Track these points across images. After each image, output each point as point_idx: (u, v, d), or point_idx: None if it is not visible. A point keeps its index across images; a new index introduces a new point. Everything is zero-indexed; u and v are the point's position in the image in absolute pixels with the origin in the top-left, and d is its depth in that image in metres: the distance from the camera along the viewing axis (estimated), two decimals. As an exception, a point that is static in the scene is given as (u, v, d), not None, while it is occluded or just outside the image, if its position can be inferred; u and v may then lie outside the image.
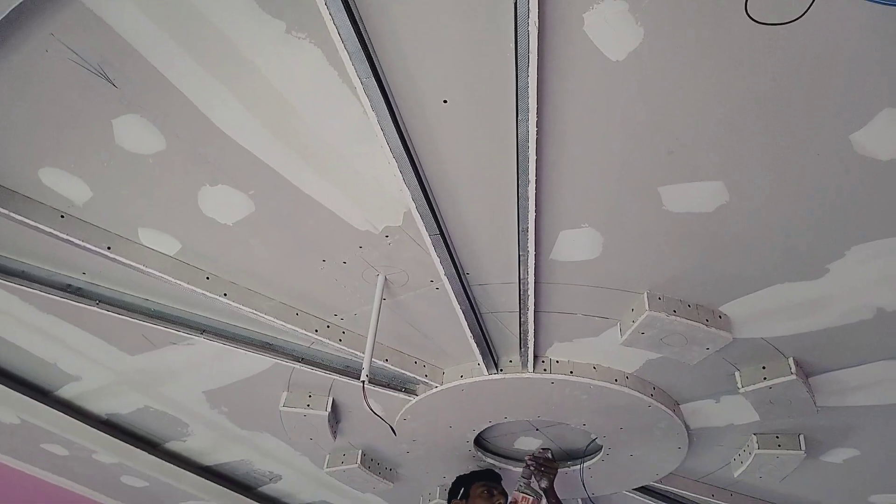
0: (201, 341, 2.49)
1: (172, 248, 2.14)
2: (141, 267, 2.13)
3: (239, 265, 2.19)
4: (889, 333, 2.20)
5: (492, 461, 3.08)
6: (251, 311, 2.26)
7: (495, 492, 2.70)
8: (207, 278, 2.20)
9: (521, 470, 2.73)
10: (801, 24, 1.37)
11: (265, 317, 2.29)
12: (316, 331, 2.36)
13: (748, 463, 2.78)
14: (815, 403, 2.43)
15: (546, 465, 2.66)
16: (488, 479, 2.76)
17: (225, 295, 2.22)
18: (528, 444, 3.08)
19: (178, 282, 2.16)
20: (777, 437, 2.74)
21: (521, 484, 2.63)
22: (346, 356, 2.55)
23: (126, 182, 1.93)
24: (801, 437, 2.73)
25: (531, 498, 2.57)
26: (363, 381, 2.01)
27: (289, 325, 2.32)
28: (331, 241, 2.05)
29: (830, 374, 2.41)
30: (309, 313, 2.36)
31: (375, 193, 1.87)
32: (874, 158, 1.65)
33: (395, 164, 1.68)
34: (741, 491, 3.23)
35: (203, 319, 2.47)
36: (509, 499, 2.60)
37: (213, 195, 1.93)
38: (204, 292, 2.19)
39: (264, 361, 2.62)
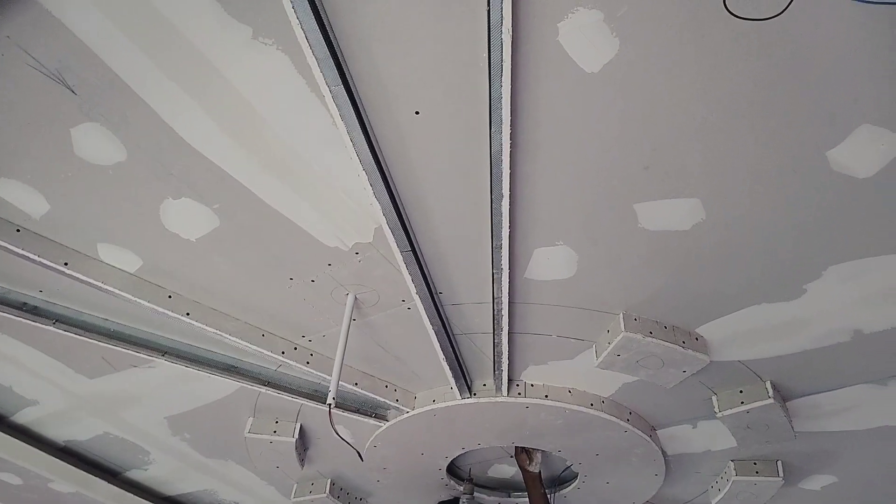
0: (163, 364, 2.39)
1: (133, 265, 2.06)
2: (100, 284, 2.04)
3: (203, 283, 2.11)
4: (867, 356, 2.18)
5: (466, 491, 2.99)
6: (215, 331, 2.18)
7: None
8: (170, 297, 2.12)
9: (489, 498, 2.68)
10: (780, 33, 1.36)
11: (230, 338, 2.21)
12: (283, 353, 2.28)
13: (726, 490, 2.72)
14: (792, 428, 2.40)
15: None
16: None
17: (188, 314, 2.13)
18: (503, 471, 3.00)
19: (139, 300, 2.08)
20: (755, 464, 2.69)
21: (464, 500, 2.63)
22: (314, 380, 2.47)
23: (85, 195, 1.85)
24: (779, 463, 2.69)
25: None
26: (329, 405, 1.93)
27: (254, 347, 2.24)
28: (299, 259, 1.99)
29: (808, 398, 2.38)
30: (276, 334, 2.28)
31: (345, 208, 1.81)
32: (851, 176, 1.64)
33: (366, 176, 1.63)
34: (719, 520, 3.17)
35: (165, 341, 2.37)
36: None
37: (176, 209, 1.86)
38: (166, 311, 2.11)
39: (229, 385, 2.53)
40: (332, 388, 1.97)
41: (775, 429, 2.38)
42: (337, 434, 1.93)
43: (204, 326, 2.17)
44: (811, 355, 2.18)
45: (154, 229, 1.93)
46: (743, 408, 2.30)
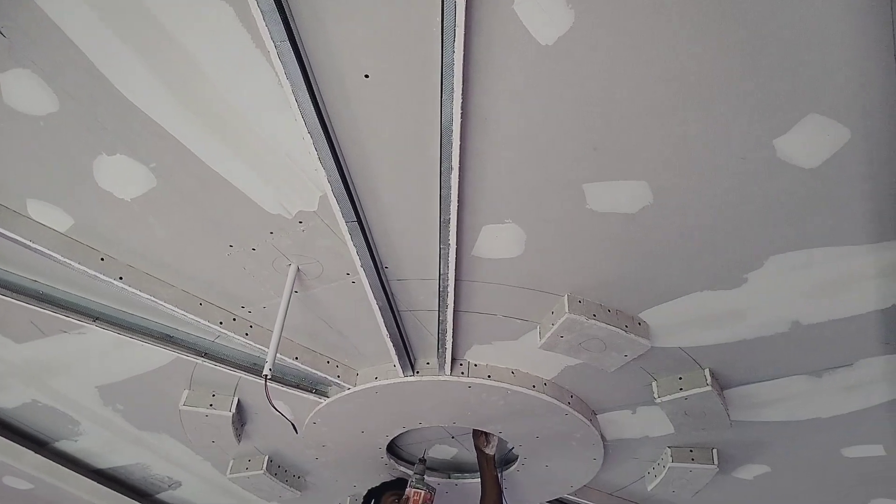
0: (94, 330, 2.30)
1: (64, 224, 1.97)
2: (28, 243, 1.94)
3: (137, 247, 2.03)
4: (803, 348, 2.22)
5: (405, 470, 2.97)
6: (149, 297, 2.10)
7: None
8: (102, 259, 2.03)
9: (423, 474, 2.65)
10: (737, 16, 1.35)
11: (165, 305, 2.13)
12: (221, 323, 2.21)
13: (662, 476, 2.76)
14: (728, 416, 2.44)
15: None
16: (399, 488, 2.65)
17: (121, 279, 2.05)
18: (444, 452, 2.99)
19: (69, 261, 1.99)
20: (691, 451, 2.73)
21: (414, 479, 2.56)
22: (253, 353, 2.41)
23: (14, 146, 1.76)
24: (715, 451, 2.74)
25: (423, 491, 2.50)
26: (265, 377, 1.87)
27: (191, 316, 2.16)
28: (239, 225, 1.92)
29: (745, 387, 2.42)
30: (213, 304, 2.21)
31: (289, 173, 1.75)
32: (797, 166, 1.65)
33: (311, 139, 1.58)
34: (654, 506, 3.22)
35: (97, 306, 2.28)
36: (416, 500, 2.49)
37: (110, 166, 1.78)
38: (97, 274, 2.02)
39: (164, 355, 2.45)
40: (269, 360, 1.92)
41: (712, 416, 2.41)
42: (272, 406, 1.88)
43: (137, 292, 2.09)
44: (750, 345, 2.21)
45: (87, 187, 1.84)
46: (681, 394, 2.32)
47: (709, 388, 2.29)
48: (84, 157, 1.76)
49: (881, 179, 1.67)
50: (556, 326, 2.10)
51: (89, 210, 1.91)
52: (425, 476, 2.63)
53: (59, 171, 1.81)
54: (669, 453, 2.72)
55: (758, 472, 2.91)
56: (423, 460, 2.67)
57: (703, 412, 2.39)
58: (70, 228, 1.97)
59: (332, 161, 1.63)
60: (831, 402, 2.47)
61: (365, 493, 2.78)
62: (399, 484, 2.70)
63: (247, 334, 2.25)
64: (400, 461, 2.96)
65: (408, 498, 2.50)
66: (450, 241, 1.86)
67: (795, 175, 1.67)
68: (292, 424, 2.06)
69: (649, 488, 2.86)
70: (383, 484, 2.78)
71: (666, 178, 1.71)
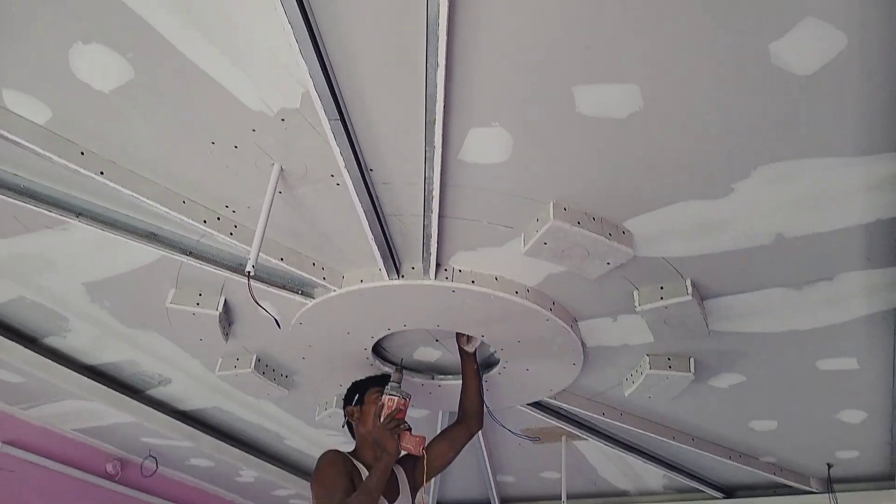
0: (79, 227, 2.29)
1: (42, 116, 1.92)
2: (6, 133, 1.90)
3: (118, 142, 1.99)
4: (784, 260, 2.23)
5: (389, 371, 3.04)
6: (132, 193, 2.08)
7: None
8: (82, 153, 2.00)
9: (414, 379, 2.70)
10: None
11: (148, 202, 2.11)
12: (204, 221, 2.20)
13: (639, 382, 2.83)
14: (707, 326, 2.48)
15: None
16: (384, 385, 2.65)
17: (102, 174, 2.02)
18: (428, 354, 3.05)
19: (50, 154, 1.95)
20: (668, 359, 2.80)
21: (390, 386, 2.58)
22: (238, 252, 2.41)
23: (-16, 32, 1.69)
24: (692, 360, 2.80)
25: (397, 398, 2.52)
26: (248, 273, 1.88)
27: (174, 214, 2.15)
28: (220, 121, 1.88)
29: (725, 298, 2.45)
30: (197, 202, 2.19)
31: (270, 67, 1.70)
32: (791, 73, 1.61)
33: (292, 31, 1.52)
34: (631, 411, 3.33)
35: (80, 202, 2.26)
36: (389, 405, 2.50)
37: (86, 55, 1.72)
38: (78, 168, 1.99)
39: (149, 253, 2.45)
40: (252, 258, 1.92)
41: (691, 325, 2.46)
42: (255, 302, 1.90)
43: (119, 188, 2.06)
44: (732, 256, 2.23)
45: (63, 77, 1.79)
46: (662, 303, 2.36)
47: (689, 297, 2.32)
48: (60, 45, 1.70)
49: (874, 90, 1.64)
50: (540, 233, 2.10)
51: (67, 102, 1.87)
52: (401, 383, 2.63)
53: (34, 60, 1.76)
54: (647, 361, 2.78)
55: (733, 381, 3.00)
56: (399, 369, 2.68)
57: (682, 321, 2.43)
58: (49, 121, 1.93)
59: (313, 55, 1.58)
60: (809, 315, 2.52)
61: (349, 385, 2.75)
62: (384, 381, 2.69)
63: (231, 234, 2.24)
64: (385, 362, 3.02)
65: (382, 404, 2.51)
66: (435, 144, 1.84)
67: (788, 82, 1.63)
68: (275, 320, 2.09)
69: (626, 394, 2.95)
70: (368, 378, 2.75)
71: (657, 83, 1.67)
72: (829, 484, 3.93)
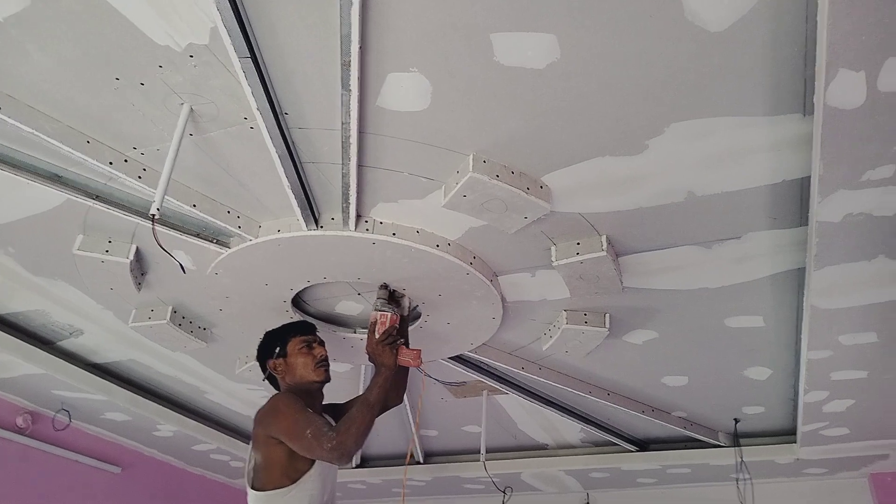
0: (-25, 166, 2.16)
1: (-73, 43, 1.79)
2: None
3: (16, 76, 1.87)
4: (696, 218, 2.30)
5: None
6: (32, 131, 1.97)
7: (315, 343, 2.45)
8: (-26, 86, 1.87)
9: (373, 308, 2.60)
10: None
11: (50, 140, 2.01)
12: (111, 163, 2.10)
13: (556, 337, 2.89)
14: (621, 282, 2.54)
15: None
16: (306, 332, 2.48)
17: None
18: (350, 308, 3.03)
19: (-64, 85, 1.83)
20: (585, 315, 2.86)
21: (378, 303, 2.52)
22: (147, 197, 2.31)
23: None
24: (607, 315, 2.87)
25: (389, 313, 2.47)
26: (153, 216, 1.81)
27: (78, 154, 2.05)
28: (124, 56, 1.79)
29: (639, 255, 2.51)
30: (102, 143, 2.09)
31: (176, -1, 1.62)
32: (703, 28, 1.63)
33: (195, -41, 1.45)
34: (549, 366, 3.40)
35: (-24, 140, 2.13)
36: (382, 322, 2.44)
37: (-27, -24, 1.60)
38: (-31, 102, 1.87)
39: (55, 196, 2.34)
40: (157, 199, 1.85)
41: (605, 281, 2.51)
42: (160, 245, 1.83)
43: (18, 124, 1.95)
44: (646, 213, 2.28)
45: (-51, 0, 1.66)
46: (577, 258, 2.39)
47: (604, 253, 2.36)
48: (-59, -36, 1.58)
49: (783, 50, 1.68)
50: (459, 185, 2.10)
51: (-46, 28, 1.74)
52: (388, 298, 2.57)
53: (-86, -21, 1.63)
54: (565, 316, 2.84)
55: (646, 337, 3.09)
56: (384, 286, 2.60)
57: (597, 276, 2.48)
58: (-66, 48, 1.80)
59: (221, -14, 1.51)
60: (719, 274, 2.60)
61: (263, 336, 2.52)
62: (305, 327, 2.51)
63: (140, 177, 2.16)
64: (306, 315, 2.99)
65: (374, 321, 2.44)
66: (351, 87, 1.79)
67: (701, 39, 1.65)
68: (181, 265, 2.03)
69: (544, 348, 3.00)
70: (285, 327, 2.51)
71: (575, 33, 1.66)
72: (736, 438, 4.13)
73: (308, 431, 2.07)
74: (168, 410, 4.00)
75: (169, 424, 4.08)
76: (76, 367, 3.51)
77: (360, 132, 2.00)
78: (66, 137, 2.03)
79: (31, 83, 1.90)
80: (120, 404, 3.77)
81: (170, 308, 2.97)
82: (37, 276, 2.86)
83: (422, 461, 4.79)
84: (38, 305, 3.11)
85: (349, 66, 1.72)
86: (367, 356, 2.40)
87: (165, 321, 2.96)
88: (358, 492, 5.10)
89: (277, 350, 2.45)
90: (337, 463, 2.15)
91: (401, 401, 2.68)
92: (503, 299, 2.76)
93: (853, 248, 2.12)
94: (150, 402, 3.89)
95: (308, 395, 2.35)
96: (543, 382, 3.47)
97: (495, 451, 4.56)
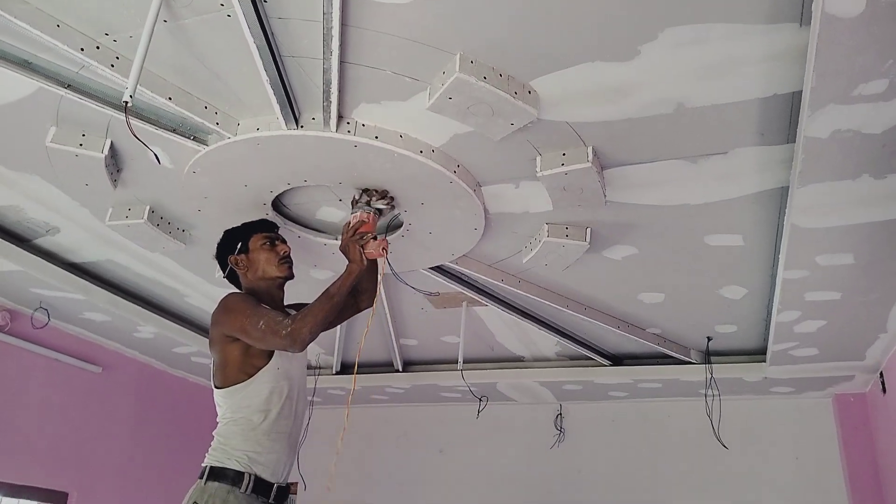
0: (-62, 48, 2.06)
1: None
2: None
3: (-25, -54, 1.76)
4: (683, 131, 2.26)
5: (292, 229, 2.99)
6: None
7: (277, 241, 2.50)
8: (-69, -43, 1.76)
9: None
10: None
11: (16, 22, 1.90)
12: (82, 49, 2.01)
13: (537, 250, 2.90)
14: (604, 195, 2.52)
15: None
16: (267, 229, 2.53)
17: (-41, -16, 1.80)
18: (331, 214, 3.00)
19: None
20: (566, 228, 2.86)
21: (362, 203, 2.56)
22: (121, 89, 2.23)
23: None
24: (588, 230, 2.87)
25: (360, 212, 2.53)
26: (125, 102, 1.75)
27: (47, 38, 1.95)
28: (93, -71, 1.68)
29: (624, 168, 2.48)
30: (73, 27, 2.00)
31: None
32: (705, -75, 1.55)
33: None
34: (528, 279, 3.42)
35: (-62, 20, 2.02)
36: (355, 219, 2.49)
37: None
38: (-72, -24, 1.76)
39: (25, 84, 2.25)
40: (130, 87, 1.78)
41: (588, 193, 2.49)
42: (133, 135, 1.78)
43: (-18, 4, 1.85)
44: (634, 124, 2.24)
45: None
46: (562, 169, 2.36)
47: (589, 164, 2.33)
48: None
49: (786, -49, 1.61)
50: (445, 86, 2.04)
51: None
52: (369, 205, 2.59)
53: None
54: (546, 229, 2.83)
55: (626, 252, 3.11)
56: (365, 190, 2.60)
57: (580, 188, 2.46)
58: None
59: None
60: (702, 190, 2.59)
61: (223, 234, 2.56)
62: (266, 225, 2.55)
63: (113, 66, 2.07)
64: (287, 220, 2.96)
65: (362, 221, 2.48)
66: (334, -26, 1.71)
67: (702, -64, 1.58)
68: (155, 155, 1.97)
69: (524, 261, 3.02)
70: (245, 225, 2.54)
71: (570, -75, 1.58)
72: (707, 356, 4.23)
73: (261, 323, 2.18)
74: (148, 312, 4.00)
75: (149, 326, 4.09)
76: (54, 266, 3.47)
77: (343, 25, 1.92)
78: (35, 20, 1.93)
79: (-7, -42, 1.79)
80: (99, 304, 3.76)
81: (147, 207, 2.93)
82: (10, 169, 2.78)
83: (401, 369, 4.88)
84: (12, 201, 3.04)
85: (331, -51, 1.63)
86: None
87: (143, 220, 2.92)
88: (337, 397, 5.21)
89: (239, 245, 2.50)
90: (291, 350, 2.23)
91: (372, 304, 2.69)
92: (486, 210, 2.74)
93: (839, 165, 2.11)
94: (130, 303, 3.88)
95: (268, 294, 2.44)
96: (522, 295, 3.50)
97: (473, 362, 4.65)
